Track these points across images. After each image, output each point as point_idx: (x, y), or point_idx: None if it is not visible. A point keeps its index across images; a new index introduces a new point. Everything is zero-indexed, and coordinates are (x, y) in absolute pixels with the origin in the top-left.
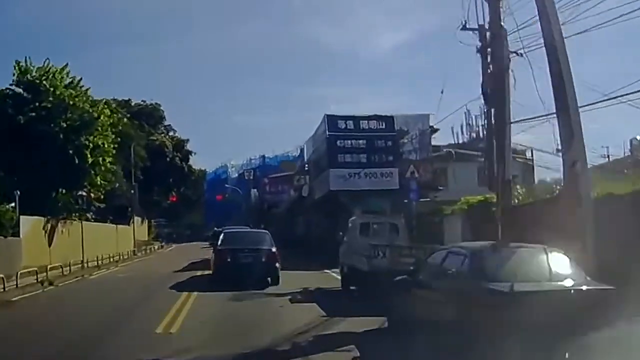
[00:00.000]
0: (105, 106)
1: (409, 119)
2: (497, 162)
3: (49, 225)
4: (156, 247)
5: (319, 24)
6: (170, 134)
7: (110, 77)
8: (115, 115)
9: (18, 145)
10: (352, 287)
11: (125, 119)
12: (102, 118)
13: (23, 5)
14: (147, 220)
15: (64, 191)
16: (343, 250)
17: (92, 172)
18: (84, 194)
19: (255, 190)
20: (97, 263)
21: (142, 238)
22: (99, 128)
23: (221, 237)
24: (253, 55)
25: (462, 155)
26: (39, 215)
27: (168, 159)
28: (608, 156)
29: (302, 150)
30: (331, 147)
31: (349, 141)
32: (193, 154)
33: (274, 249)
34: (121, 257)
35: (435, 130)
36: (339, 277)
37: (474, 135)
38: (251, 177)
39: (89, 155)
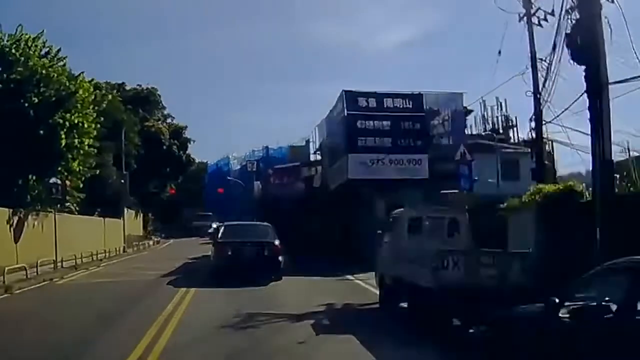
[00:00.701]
0: (85, 79)
1: (440, 97)
2: (594, 135)
3: (16, 218)
4: (151, 242)
5: (322, 22)
6: (168, 121)
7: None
8: (99, 91)
9: None
10: (400, 305)
11: (110, 96)
12: (80, 93)
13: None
14: (142, 214)
15: (34, 178)
16: (383, 255)
17: (69, 156)
18: (58, 181)
19: (258, 182)
20: (75, 262)
21: (136, 233)
22: (78, 105)
23: (221, 230)
24: (254, 54)
25: (481, 145)
26: (4, 207)
27: (165, 147)
28: None
29: (310, 139)
30: (350, 129)
31: (371, 122)
32: (192, 142)
33: (276, 242)
34: (107, 254)
35: (469, 112)
36: (374, 289)
37: (489, 126)
38: (254, 169)
39: (63, 136)
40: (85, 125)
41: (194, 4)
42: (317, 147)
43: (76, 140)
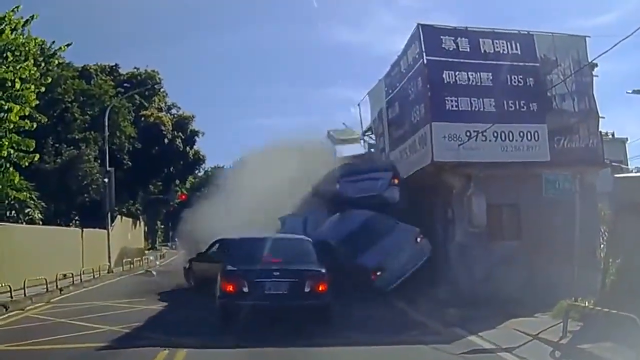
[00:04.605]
0: (13, 17)
1: (556, 41)
2: None
3: None
4: (152, 257)
5: (337, 26)
6: (173, 111)
7: None
8: (43, 41)
9: None
10: None
11: (64, 47)
12: (7, 35)
13: None
14: (142, 222)
15: None
16: None
17: None
18: None
19: None
20: (11, 295)
21: (135, 245)
22: (7, 54)
23: (231, 248)
24: (267, 58)
25: None
26: None
27: (166, 141)
28: None
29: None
30: (433, 84)
31: (464, 73)
32: (200, 135)
33: (323, 270)
34: (80, 278)
35: (595, 66)
36: None
37: None
38: None
39: None
40: (17, 86)
41: (206, 6)
42: (370, 122)
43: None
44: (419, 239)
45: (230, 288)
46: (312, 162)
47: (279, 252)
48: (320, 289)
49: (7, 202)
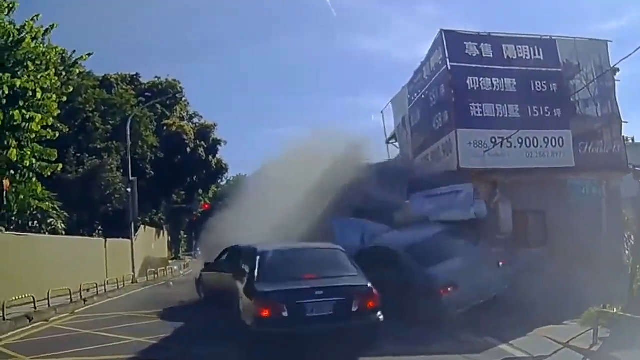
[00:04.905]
0: (34, 26)
1: (578, 46)
2: None
3: None
4: (176, 267)
5: (356, 35)
6: (195, 121)
7: None
8: (64, 50)
9: None
10: None
11: (86, 56)
12: (27, 43)
13: None
14: (166, 231)
15: None
16: None
17: (5, 141)
18: None
19: None
20: (34, 306)
21: (160, 255)
22: (28, 63)
23: (257, 262)
24: (288, 67)
25: None
26: None
27: (189, 150)
28: None
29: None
30: (457, 90)
31: (488, 79)
32: (223, 144)
33: (369, 285)
34: (105, 288)
35: (617, 70)
36: None
37: None
38: None
39: None
40: (39, 96)
41: (226, 18)
42: (394, 129)
43: (24, 115)
44: (501, 263)
45: (266, 313)
46: (341, 169)
47: (311, 265)
48: (369, 306)
49: (29, 212)
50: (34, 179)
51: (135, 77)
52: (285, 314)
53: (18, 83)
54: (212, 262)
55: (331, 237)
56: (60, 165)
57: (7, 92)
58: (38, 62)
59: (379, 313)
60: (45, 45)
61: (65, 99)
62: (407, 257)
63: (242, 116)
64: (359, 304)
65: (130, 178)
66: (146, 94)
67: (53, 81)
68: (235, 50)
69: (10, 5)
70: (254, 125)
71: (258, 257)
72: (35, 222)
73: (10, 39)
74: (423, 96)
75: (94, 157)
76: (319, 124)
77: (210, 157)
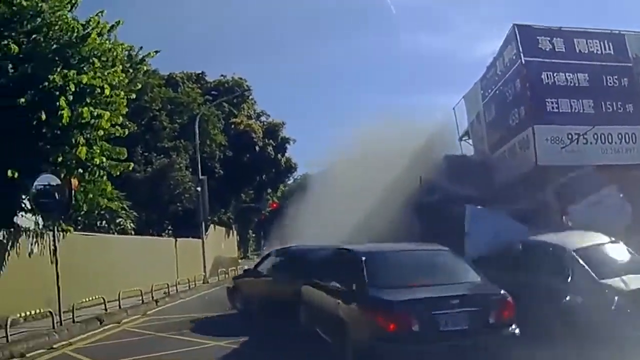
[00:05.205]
0: (99, 21)
1: None
2: None
3: None
4: (247, 267)
5: (419, 34)
6: (262, 119)
7: None
8: (131, 47)
9: None
10: None
11: (153, 53)
12: (93, 39)
13: None
14: (234, 231)
15: (14, 174)
16: None
17: (78, 138)
18: (56, 179)
19: None
20: (105, 308)
21: (229, 254)
22: (94, 59)
23: (364, 266)
24: (353, 67)
25: None
26: None
27: (257, 148)
28: None
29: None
30: (532, 85)
31: (562, 74)
32: (291, 142)
33: (503, 291)
34: (176, 288)
35: None
36: None
37: None
38: None
39: (64, 105)
40: (107, 92)
41: (290, 17)
42: (468, 125)
43: (92, 113)
44: None
45: (392, 326)
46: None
47: (426, 270)
48: (505, 316)
49: (97, 212)
50: (104, 177)
51: (200, 75)
52: (416, 327)
53: (85, 79)
54: (250, 269)
55: (456, 227)
56: (131, 164)
57: (73, 89)
58: (104, 59)
59: (514, 325)
60: (111, 42)
61: (133, 96)
62: (579, 262)
63: (308, 115)
64: (495, 315)
65: (200, 177)
66: (212, 92)
67: (120, 78)
68: (299, 49)
69: (73, 1)
70: (319, 124)
71: (363, 261)
72: (104, 221)
73: (75, 34)
74: (497, 92)
75: (162, 156)
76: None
77: (279, 156)
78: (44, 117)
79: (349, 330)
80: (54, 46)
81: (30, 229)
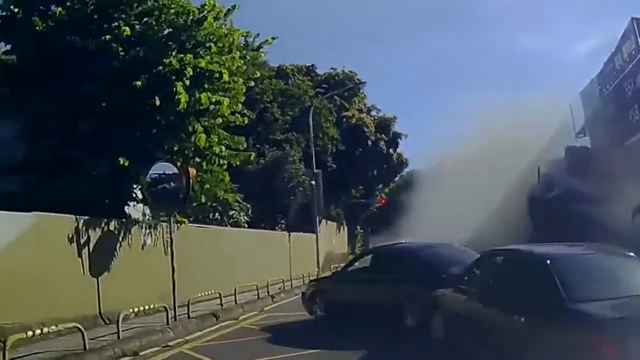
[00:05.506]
0: (214, 4)
1: None
2: None
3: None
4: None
5: (516, 31)
6: (373, 113)
7: None
8: (248, 32)
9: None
10: None
11: (271, 40)
12: (209, 23)
13: None
14: (344, 226)
15: (125, 163)
16: None
17: (195, 125)
18: (173, 167)
19: None
20: (221, 303)
21: (339, 250)
22: (210, 44)
23: (555, 274)
24: (450, 65)
25: None
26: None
27: (369, 143)
28: None
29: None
30: None
31: None
32: (403, 137)
33: None
34: (290, 284)
35: None
36: None
37: None
38: None
39: (181, 90)
40: (225, 78)
41: (390, 16)
42: (584, 122)
43: (207, 98)
44: None
45: (611, 351)
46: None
47: (621, 279)
48: None
49: (210, 204)
50: (224, 166)
51: (311, 68)
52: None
53: (202, 63)
54: (340, 272)
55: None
56: (253, 154)
57: (191, 74)
58: (220, 44)
59: None
60: (226, 27)
61: (252, 83)
62: None
63: (415, 111)
64: None
65: (315, 170)
66: (323, 85)
67: (239, 64)
68: (404, 43)
69: None
70: (426, 120)
71: (550, 267)
72: (216, 214)
73: (190, 17)
74: (616, 87)
75: (274, 148)
76: (505, 116)
77: (391, 151)
78: (158, 102)
79: (538, 353)
80: (167, 30)
81: (140, 219)
